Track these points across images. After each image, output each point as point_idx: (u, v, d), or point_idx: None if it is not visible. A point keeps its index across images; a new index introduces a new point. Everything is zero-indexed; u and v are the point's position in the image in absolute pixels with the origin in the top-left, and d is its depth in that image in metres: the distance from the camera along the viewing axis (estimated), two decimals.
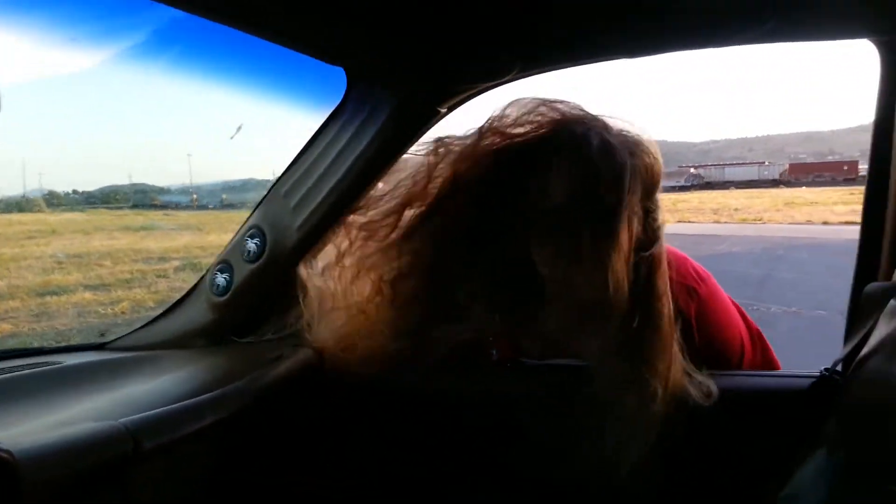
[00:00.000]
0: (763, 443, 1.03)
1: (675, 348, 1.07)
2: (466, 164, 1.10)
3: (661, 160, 1.08)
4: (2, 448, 0.64)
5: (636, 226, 1.07)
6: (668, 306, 1.08)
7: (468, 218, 1.13)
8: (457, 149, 1.10)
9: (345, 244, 1.19)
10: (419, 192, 1.12)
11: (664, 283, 1.09)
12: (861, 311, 0.91)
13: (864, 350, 0.87)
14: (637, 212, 1.07)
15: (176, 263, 5.52)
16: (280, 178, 1.25)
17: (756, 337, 1.29)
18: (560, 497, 1.15)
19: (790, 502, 0.87)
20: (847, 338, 0.96)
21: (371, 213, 1.17)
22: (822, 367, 1.02)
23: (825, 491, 0.83)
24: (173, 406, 0.91)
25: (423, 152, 1.12)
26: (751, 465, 0.99)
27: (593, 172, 1.04)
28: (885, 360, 0.80)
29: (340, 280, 1.20)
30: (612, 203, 1.04)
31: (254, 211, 1.27)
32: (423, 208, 1.14)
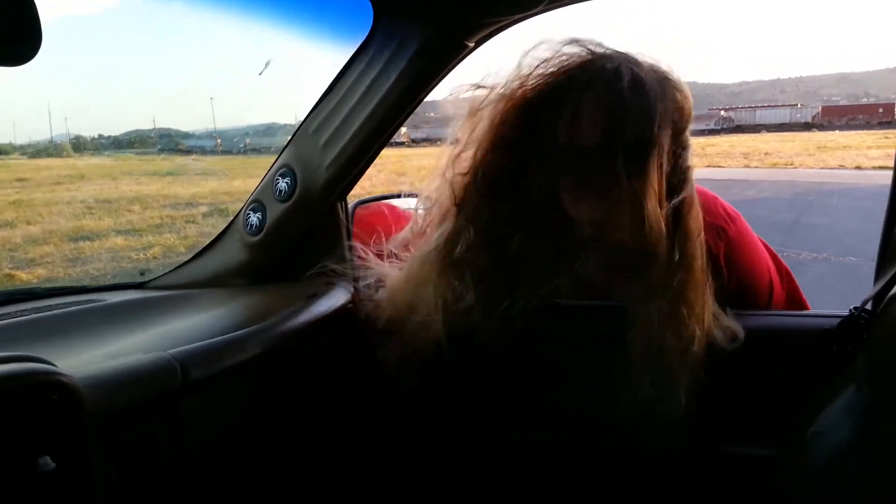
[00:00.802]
0: (792, 382, 1.03)
1: (708, 290, 1.08)
2: (505, 111, 1.09)
3: (691, 98, 1.07)
4: (63, 373, 0.66)
5: (666, 166, 1.06)
6: (701, 247, 1.08)
7: (509, 166, 1.12)
8: (494, 96, 1.10)
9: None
10: (461, 151, 1.12)
11: (697, 225, 1.09)
12: (892, 251, 0.90)
13: (895, 289, 0.86)
14: (668, 151, 1.06)
15: (204, 209, 5.59)
16: (308, 115, 1.24)
17: (785, 277, 1.28)
18: (595, 436, 1.17)
19: (818, 439, 0.88)
20: (877, 277, 0.94)
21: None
22: (852, 307, 1.02)
23: (852, 427, 0.83)
24: (217, 338, 0.93)
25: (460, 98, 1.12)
26: (779, 403, 1.00)
27: (624, 108, 1.02)
28: None
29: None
30: (644, 140, 1.02)
31: (283, 150, 1.28)
32: (469, 166, 1.13)
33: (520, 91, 1.09)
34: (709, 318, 1.06)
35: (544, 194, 1.14)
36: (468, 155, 1.13)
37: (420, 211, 1.19)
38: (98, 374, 0.76)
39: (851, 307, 0.99)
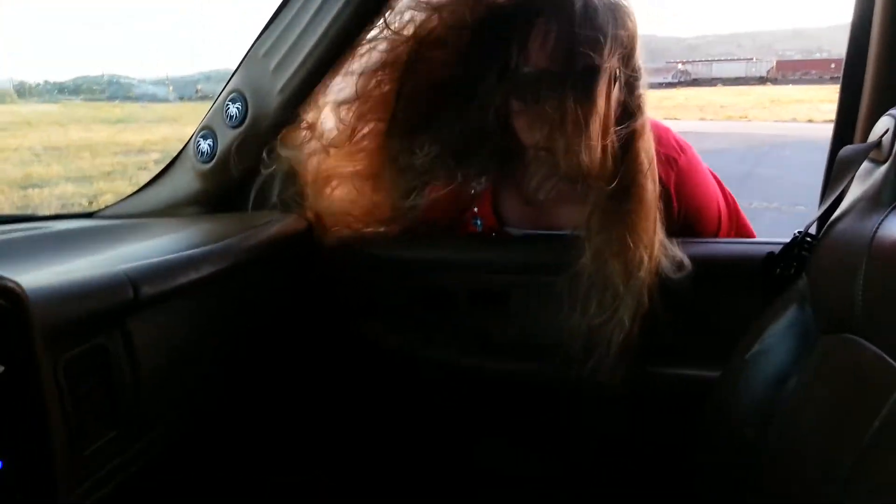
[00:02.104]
0: (738, 306, 1.06)
1: (657, 219, 1.11)
2: (450, 13, 1.09)
3: (637, 25, 1.10)
4: (9, 279, 0.65)
5: (616, 93, 1.08)
6: (652, 177, 1.11)
7: (451, 70, 1.13)
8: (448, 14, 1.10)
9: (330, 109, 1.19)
10: (400, 47, 1.12)
11: (649, 155, 1.12)
12: (835, 175, 0.93)
13: (837, 212, 0.89)
14: (618, 77, 1.08)
15: (156, 156, 5.44)
16: (258, 38, 1.21)
17: (733, 209, 1.33)
18: (543, 363, 1.20)
19: (760, 357, 0.91)
20: (821, 202, 0.98)
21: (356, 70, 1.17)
22: (796, 230, 1.05)
23: (793, 343, 0.87)
24: (171, 256, 0.93)
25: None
26: (726, 328, 1.02)
27: (574, 34, 1.04)
28: (856, 218, 0.82)
29: (328, 149, 1.21)
30: (593, 66, 1.04)
31: (233, 73, 1.25)
32: (404, 59, 1.13)
33: (471, 12, 1.09)
34: (657, 246, 1.09)
35: (495, 117, 1.16)
36: (421, 58, 1.13)
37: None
38: (47, 285, 0.75)
39: (795, 231, 1.02)
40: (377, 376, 1.33)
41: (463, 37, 1.13)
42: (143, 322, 0.88)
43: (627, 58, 1.09)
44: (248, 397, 1.19)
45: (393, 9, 1.14)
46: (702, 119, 19.07)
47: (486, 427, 1.31)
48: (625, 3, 1.08)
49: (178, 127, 6.04)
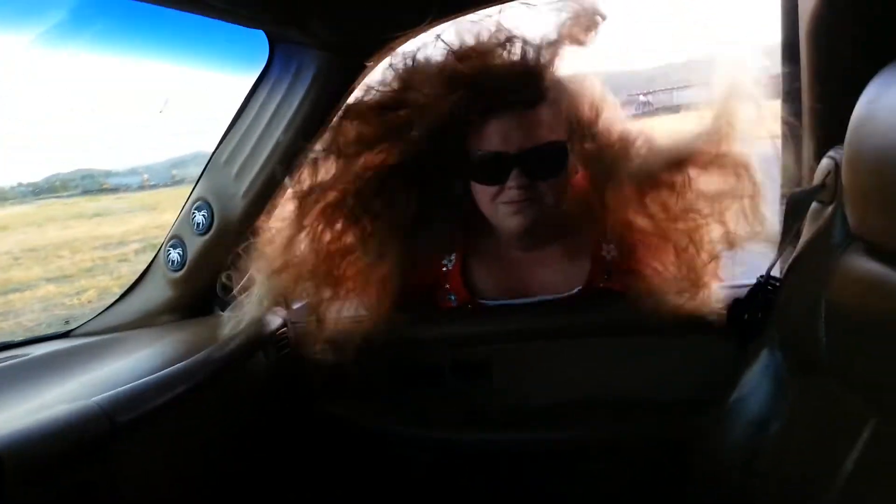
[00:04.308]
0: (711, 354, 1.09)
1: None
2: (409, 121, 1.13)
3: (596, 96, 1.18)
4: None
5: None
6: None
7: (410, 156, 1.16)
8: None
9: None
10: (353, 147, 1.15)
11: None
12: (788, 217, 0.95)
13: (794, 254, 0.92)
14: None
15: (136, 246, 5.42)
16: (217, 147, 1.25)
17: None
18: (534, 425, 1.21)
19: (740, 404, 0.92)
20: (780, 244, 1.00)
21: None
22: (759, 275, 1.07)
23: (769, 388, 0.88)
24: (143, 380, 0.93)
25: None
26: (701, 376, 1.04)
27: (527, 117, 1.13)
28: (812, 259, 0.85)
29: (290, 239, 1.22)
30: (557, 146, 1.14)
31: (196, 183, 1.28)
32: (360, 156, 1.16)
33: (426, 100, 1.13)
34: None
35: (456, 196, 1.20)
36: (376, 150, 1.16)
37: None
38: (20, 430, 0.75)
39: (759, 276, 1.03)
40: (363, 459, 1.32)
41: (423, 125, 1.15)
42: (123, 449, 0.87)
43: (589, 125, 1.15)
44: (235, 496, 1.18)
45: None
46: None
47: (477, 499, 1.29)
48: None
49: (157, 214, 6.04)
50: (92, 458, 0.83)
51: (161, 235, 1.35)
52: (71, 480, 0.80)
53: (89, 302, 4.72)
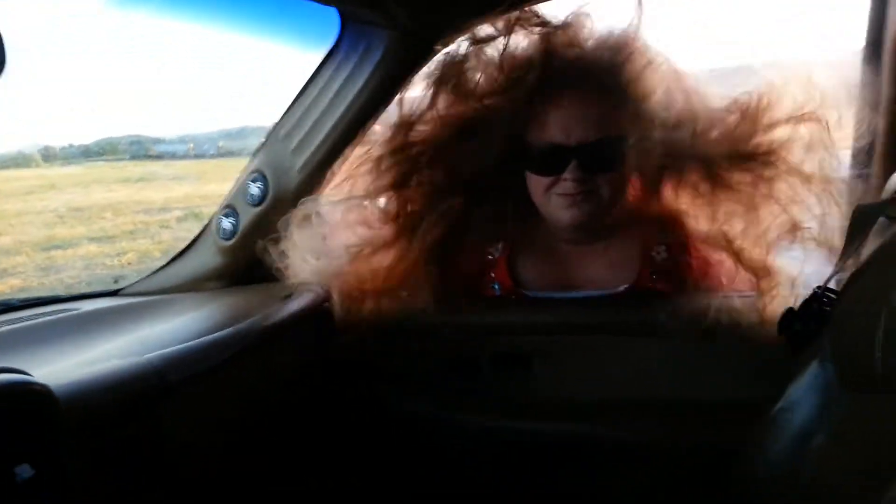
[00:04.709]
0: (758, 361, 1.06)
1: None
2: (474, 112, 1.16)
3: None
4: (38, 383, 0.67)
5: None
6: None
7: (470, 143, 1.17)
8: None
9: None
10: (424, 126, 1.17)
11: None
12: (852, 230, 0.93)
13: (855, 267, 0.89)
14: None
15: (178, 213, 5.53)
16: (279, 121, 1.26)
17: None
18: (571, 421, 1.20)
19: (785, 415, 0.90)
20: (841, 256, 0.98)
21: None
22: (815, 285, 1.05)
23: (816, 401, 0.86)
24: (194, 342, 0.95)
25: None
26: (747, 385, 1.02)
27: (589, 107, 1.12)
28: (874, 274, 0.83)
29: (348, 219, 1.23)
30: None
31: (255, 154, 1.29)
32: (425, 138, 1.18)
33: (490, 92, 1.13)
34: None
35: (510, 184, 1.19)
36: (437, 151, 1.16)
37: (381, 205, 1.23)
38: (76, 381, 0.77)
39: (815, 286, 1.00)
40: (399, 442, 1.32)
41: (482, 112, 1.16)
42: (172, 408, 0.89)
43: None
44: (272, 466, 1.19)
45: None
46: None
47: (511, 490, 1.29)
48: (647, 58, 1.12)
49: (200, 184, 6.15)
50: (142, 413, 0.85)
51: (203, 204, 1.38)
52: (120, 434, 0.82)
53: (129, 264, 4.83)
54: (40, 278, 4.55)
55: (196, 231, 1.38)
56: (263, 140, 1.28)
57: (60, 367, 0.88)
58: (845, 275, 0.92)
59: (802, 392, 0.89)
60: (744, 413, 0.98)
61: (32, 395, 0.67)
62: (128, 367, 0.84)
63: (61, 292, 1.28)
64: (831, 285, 0.99)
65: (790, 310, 1.01)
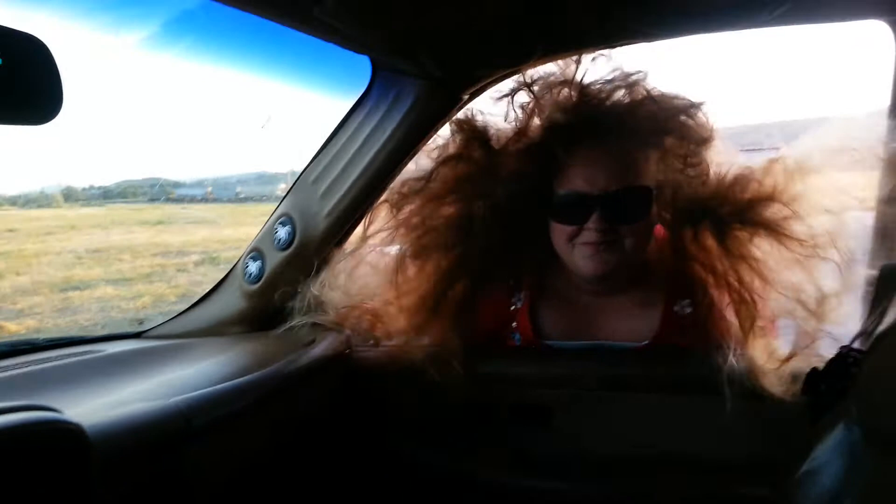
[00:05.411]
0: (782, 422, 1.04)
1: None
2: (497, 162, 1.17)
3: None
4: (71, 421, 0.67)
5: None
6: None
7: (492, 191, 1.17)
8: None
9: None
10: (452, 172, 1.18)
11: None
12: (879, 290, 0.92)
13: (881, 327, 0.88)
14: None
15: (195, 258, 5.57)
16: (308, 165, 1.28)
17: None
18: (589, 478, 1.18)
19: (811, 477, 0.88)
20: (868, 315, 0.97)
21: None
22: (841, 345, 1.04)
23: (843, 464, 0.84)
24: (218, 386, 0.95)
25: None
26: (771, 444, 1.00)
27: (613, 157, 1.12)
28: None
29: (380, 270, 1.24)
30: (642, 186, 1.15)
31: (283, 199, 1.31)
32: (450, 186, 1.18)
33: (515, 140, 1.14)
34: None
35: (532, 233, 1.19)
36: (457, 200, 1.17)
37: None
38: (104, 422, 0.77)
39: (841, 346, 0.99)
40: (413, 494, 1.29)
41: (507, 161, 1.17)
42: (196, 450, 0.89)
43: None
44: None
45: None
46: None
47: None
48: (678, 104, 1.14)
49: (217, 228, 6.22)
50: (167, 456, 0.85)
51: (221, 249, 1.39)
52: (146, 476, 0.82)
53: (144, 307, 4.85)
54: (55, 319, 4.57)
55: (212, 275, 1.39)
56: (292, 184, 1.30)
57: (88, 408, 0.88)
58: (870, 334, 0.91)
59: (828, 454, 0.87)
60: (765, 472, 0.96)
61: (66, 434, 0.67)
62: (154, 410, 0.84)
63: (76, 333, 1.29)
64: (856, 345, 0.98)
65: (815, 369, 1.00)
